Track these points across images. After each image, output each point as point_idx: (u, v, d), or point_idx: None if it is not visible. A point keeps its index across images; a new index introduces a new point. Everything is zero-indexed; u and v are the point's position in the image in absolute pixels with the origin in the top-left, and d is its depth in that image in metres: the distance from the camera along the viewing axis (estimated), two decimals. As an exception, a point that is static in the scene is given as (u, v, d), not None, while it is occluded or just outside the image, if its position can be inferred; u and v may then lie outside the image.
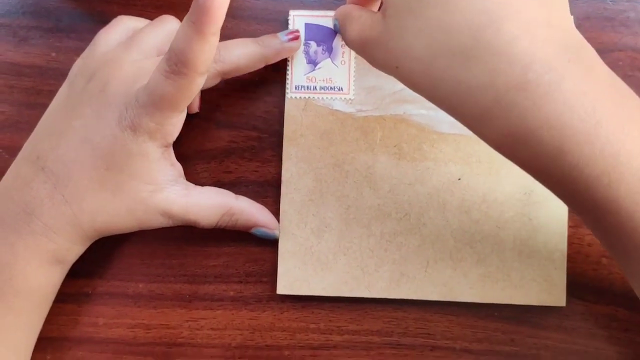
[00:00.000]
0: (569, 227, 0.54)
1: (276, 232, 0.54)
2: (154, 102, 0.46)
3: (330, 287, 0.54)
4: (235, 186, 0.56)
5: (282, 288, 0.53)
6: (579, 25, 0.52)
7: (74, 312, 0.55)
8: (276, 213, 0.54)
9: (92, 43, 0.52)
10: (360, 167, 0.54)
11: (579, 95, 0.36)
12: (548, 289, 0.53)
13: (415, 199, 0.54)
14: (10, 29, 0.58)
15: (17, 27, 0.58)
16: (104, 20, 0.55)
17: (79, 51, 0.55)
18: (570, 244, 0.54)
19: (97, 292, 0.56)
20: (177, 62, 0.44)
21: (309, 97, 0.55)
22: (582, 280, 0.55)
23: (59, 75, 0.55)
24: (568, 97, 0.35)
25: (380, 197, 0.54)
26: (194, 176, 0.55)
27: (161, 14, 0.55)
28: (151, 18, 0.55)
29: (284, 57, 0.54)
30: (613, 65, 0.53)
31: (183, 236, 0.56)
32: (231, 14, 0.53)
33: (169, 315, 0.55)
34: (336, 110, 0.54)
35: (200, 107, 0.56)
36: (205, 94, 0.56)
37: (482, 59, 0.37)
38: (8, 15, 0.58)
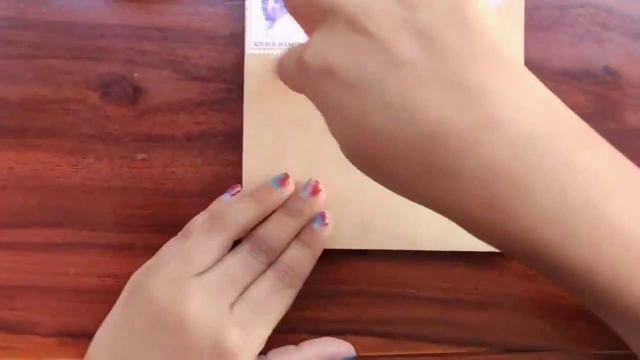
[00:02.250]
0: None
1: (352, 352, 0.57)
2: (263, 319, 0.52)
3: (293, 240, 0.56)
4: (205, 136, 0.58)
5: (243, 242, 0.56)
6: None
7: (44, 261, 0.58)
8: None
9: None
10: (321, 123, 0.55)
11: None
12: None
13: (375, 152, 0.56)
14: None
15: None
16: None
17: (46, 3, 0.58)
18: None
19: (67, 242, 0.58)
20: (293, 277, 0.53)
21: (269, 53, 0.57)
22: None
23: (28, 26, 0.58)
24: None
25: (341, 152, 0.56)
26: (163, 127, 0.58)
27: None
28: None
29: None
30: (574, 21, 0.56)
31: (153, 187, 0.58)
32: None
33: (139, 265, 0.56)
34: (295, 64, 0.56)
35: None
36: (176, 47, 0.59)
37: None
38: None
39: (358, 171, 0.53)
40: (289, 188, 0.55)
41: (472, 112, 0.35)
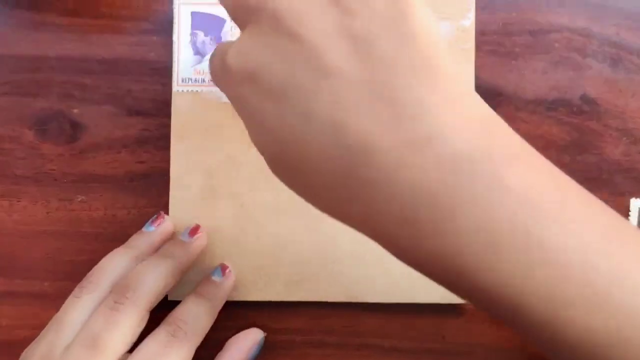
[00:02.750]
0: None
1: (261, 335, 0.54)
2: None
3: (224, 292, 0.53)
4: (149, 176, 0.55)
5: (173, 294, 0.53)
6: (512, 5, 0.53)
7: None
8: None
9: None
10: (253, 160, 0.53)
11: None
12: (454, 287, 0.52)
13: (314, 194, 0.53)
14: None
15: None
16: (6, 1, 0.56)
17: (4, 58, 0.56)
18: None
19: None
20: (187, 332, 0.49)
21: (197, 90, 0.54)
22: None
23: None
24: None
25: (276, 193, 0.53)
26: (103, 167, 0.55)
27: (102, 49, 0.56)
28: (56, 6, 0.56)
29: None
30: (549, 47, 0.53)
31: (93, 231, 0.55)
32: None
33: None
34: (226, 102, 0.54)
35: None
36: (117, 80, 0.56)
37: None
38: None
39: (293, 216, 0.51)
40: (202, 240, 0.53)
41: (401, 129, 0.32)
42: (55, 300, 0.53)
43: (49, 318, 0.52)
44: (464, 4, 0.53)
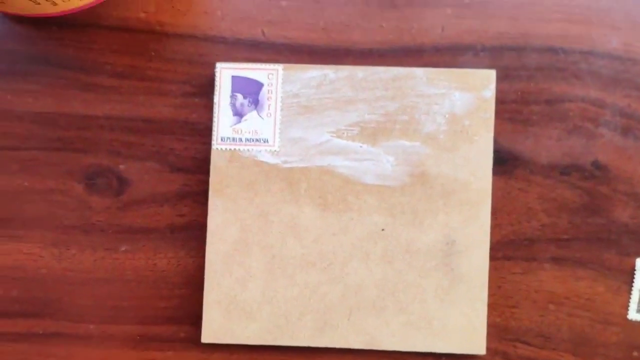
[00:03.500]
0: (518, 273, 0.58)
1: None
2: None
3: (255, 336, 0.57)
4: (188, 228, 0.59)
5: (207, 337, 0.57)
6: (531, 76, 0.56)
7: (24, 352, 0.59)
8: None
9: None
10: (285, 218, 0.57)
11: None
12: (469, 337, 0.56)
13: (339, 249, 0.57)
14: None
15: None
16: (59, 63, 0.60)
17: (34, 94, 0.59)
18: (517, 290, 0.58)
19: (47, 332, 0.59)
20: None
21: (235, 149, 0.57)
22: (528, 325, 0.58)
23: (14, 117, 0.60)
24: None
25: (304, 247, 0.57)
26: (147, 219, 0.59)
27: (116, 58, 0.60)
28: (106, 62, 0.60)
29: None
30: (563, 116, 0.56)
31: (136, 279, 0.59)
32: (165, 56, 0.59)
33: (119, 357, 0.59)
34: (262, 161, 0.57)
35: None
36: (161, 138, 0.60)
37: None
38: None
39: (320, 269, 0.54)
40: None
41: None
42: (99, 341, 0.57)
43: (94, 358, 0.57)
44: (486, 77, 0.57)
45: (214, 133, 0.58)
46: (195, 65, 0.60)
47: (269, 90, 0.58)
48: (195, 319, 0.59)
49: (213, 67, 0.59)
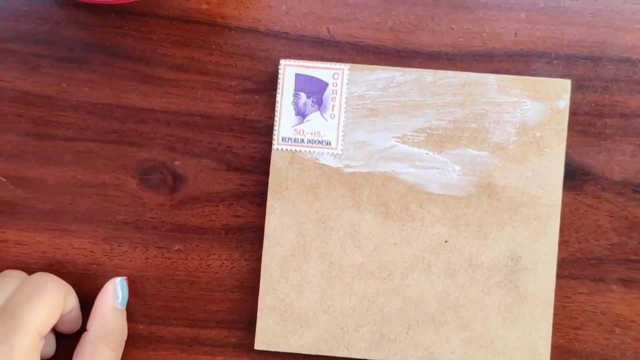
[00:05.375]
0: (584, 294, 0.56)
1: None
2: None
3: (309, 345, 0.56)
4: (243, 230, 0.58)
5: (260, 344, 0.56)
6: (606, 88, 0.55)
7: (67, 349, 0.56)
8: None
9: None
10: (345, 224, 0.55)
11: None
12: (531, 359, 0.54)
13: (400, 260, 0.55)
14: (21, 56, 0.59)
15: (28, 55, 0.59)
16: (117, 53, 0.58)
17: (90, 83, 0.58)
18: (583, 311, 0.56)
19: None
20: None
21: (296, 150, 0.56)
22: (592, 349, 0.56)
23: (68, 106, 0.58)
24: None
25: (364, 256, 0.55)
26: (201, 218, 0.58)
27: (176, 50, 0.59)
28: (165, 54, 0.58)
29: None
30: (639, 130, 0.55)
31: (187, 279, 0.58)
32: (226, 50, 0.57)
33: (168, 359, 0.58)
34: (323, 164, 0.56)
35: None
36: (219, 135, 0.58)
37: None
38: (19, 41, 0.59)
39: (379, 279, 0.53)
40: None
41: None
42: (148, 342, 0.57)
43: (142, 358, 0.56)
44: (561, 86, 0.55)
45: (275, 133, 0.56)
46: (256, 60, 0.58)
47: (333, 91, 0.56)
48: (247, 324, 0.57)
49: (274, 63, 0.58)
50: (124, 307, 0.56)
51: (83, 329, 0.55)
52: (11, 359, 0.48)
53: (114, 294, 0.55)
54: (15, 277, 0.53)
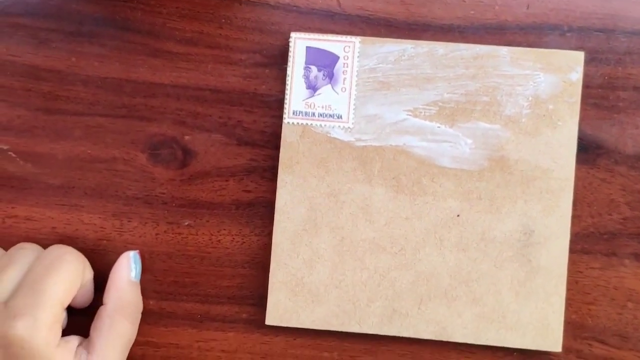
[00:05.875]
0: (597, 268, 0.56)
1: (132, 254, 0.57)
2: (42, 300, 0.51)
3: (320, 321, 0.55)
4: (254, 205, 0.57)
5: (271, 319, 0.55)
6: (619, 60, 0.54)
7: (81, 326, 0.56)
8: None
9: None
10: (356, 198, 0.55)
11: None
12: (544, 333, 0.54)
13: (412, 234, 0.55)
14: (31, 30, 0.59)
15: (38, 29, 0.59)
16: (127, 27, 0.58)
17: (99, 57, 0.58)
18: (595, 286, 0.56)
19: None
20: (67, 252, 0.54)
21: (307, 124, 0.56)
22: (605, 324, 0.56)
23: (78, 81, 0.58)
24: None
25: (375, 230, 0.55)
26: (211, 194, 0.57)
27: (185, 24, 0.58)
28: (175, 27, 0.58)
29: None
30: None
31: (197, 255, 0.58)
32: (236, 24, 0.57)
33: (179, 335, 0.57)
34: (334, 138, 0.55)
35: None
36: (229, 110, 0.58)
37: None
38: (29, 15, 0.59)
39: (391, 253, 0.53)
40: None
41: None
42: (158, 318, 0.57)
43: (154, 335, 0.56)
44: (574, 58, 0.55)
45: (286, 106, 0.56)
46: (266, 34, 0.58)
47: (344, 64, 0.56)
48: (258, 299, 0.57)
49: (285, 36, 0.57)
50: (138, 280, 0.56)
51: (94, 303, 0.55)
52: (35, 330, 0.48)
53: (128, 267, 0.55)
54: (30, 249, 0.53)
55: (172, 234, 0.57)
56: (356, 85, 0.56)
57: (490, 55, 0.55)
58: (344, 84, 0.56)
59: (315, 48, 0.56)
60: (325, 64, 0.56)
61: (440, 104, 0.55)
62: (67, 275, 0.51)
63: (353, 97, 0.55)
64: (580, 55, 0.55)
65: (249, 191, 0.57)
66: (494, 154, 0.55)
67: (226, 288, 0.57)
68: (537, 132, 0.54)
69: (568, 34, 0.56)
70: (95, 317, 0.53)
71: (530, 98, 0.55)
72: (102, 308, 0.54)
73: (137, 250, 0.56)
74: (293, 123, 0.56)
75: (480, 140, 0.55)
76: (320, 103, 0.56)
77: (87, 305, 0.56)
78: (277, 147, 0.56)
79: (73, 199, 0.57)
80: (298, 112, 0.56)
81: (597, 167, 0.56)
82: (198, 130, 0.57)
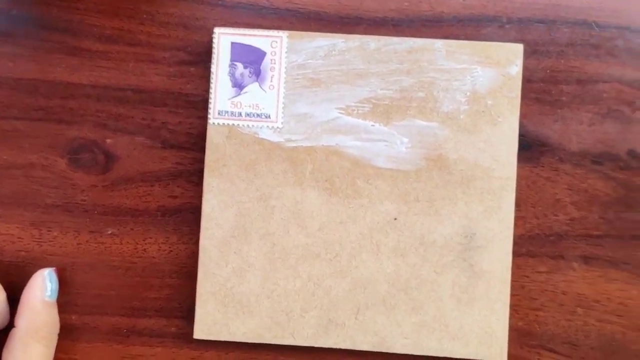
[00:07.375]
0: (543, 272, 0.53)
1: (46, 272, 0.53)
2: None
3: (252, 333, 0.53)
4: (181, 211, 0.55)
5: (200, 332, 0.52)
6: (561, 53, 0.52)
7: None
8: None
9: None
10: (287, 203, 0.52)
11: None
12: (488, 342, 0.52)
13: (347, 239, 0.52)
14: None
15: None
16: (42, 24, 0.55)
17: (13, 57, 0.55)
18: (542, 291, 0.54)
19: None
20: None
21: (234, 124, 0.53)
22: (554, 331, 0.54)
23: (-6, 81, 0.55)
24: None
25: (308, 236, 0.52)
26: (135, 200, 0.55)
27: (105, 20, 0.55)
28: (93, 24, 0.55)
29: None
30: (597, 97, 0.51)
31: (122, 265, 0.55)
32: (158, 20, 0.54)
33: (104, 351, 0.55)
34: (263, 138, 0.53)
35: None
36: (153, 111, 0.55)
37: None
38: None
39: (325, 260, 0.51)
40: None
41: None
42: (81, 334, 0.54)
43: (77, 352, 0.54)
44: (512, 51, 0.52)
45: (211, 106, 0.53)
46: (191, 30, 0.55)
47: (272, 60, 0.53)
48: (187, 312, 0.54)
49: (210, 32, 0.55)
50: (54, 300, 0.52)
51: (11, 324, 0.52)
52: None
53: (42, 287, 0.52)
54: None
55: (95, 243, 0.55)
56: (285, 83, 0.53)
57: (425, 49, 0.52)
58: (271, 81, 0.53)
59: (241, 44, 0.53)
60: (251, 61, 0.53)
61: (373, 101, 0.52)
62: None
63: (282, 95, 0.53)
64: (519, 48, 0.52)
65: (175, 197, 0.55)
66: (432, 153, 0.52)
67: (153, 300, 0.54)
68: (477, 129, 0.52)
69: (507, 26, 0.54)
70: (7, 341, 0.51)
71: (468, 93, 0.52)
72: (13, 331, 0.51)
73: (54, 268, 0.53)
74: (219, 124, 0.53)
75: (416, 138, 0.52)
76: (247, 102, 0.53)
77: (3, 326, 0.52)
78: (204, 150, 0.53)
79: (-13, 208, 0.54)
80: (224, 112, 0.53)
81: (541, 165, 0.53)
82: (120, 133, 0.55)
